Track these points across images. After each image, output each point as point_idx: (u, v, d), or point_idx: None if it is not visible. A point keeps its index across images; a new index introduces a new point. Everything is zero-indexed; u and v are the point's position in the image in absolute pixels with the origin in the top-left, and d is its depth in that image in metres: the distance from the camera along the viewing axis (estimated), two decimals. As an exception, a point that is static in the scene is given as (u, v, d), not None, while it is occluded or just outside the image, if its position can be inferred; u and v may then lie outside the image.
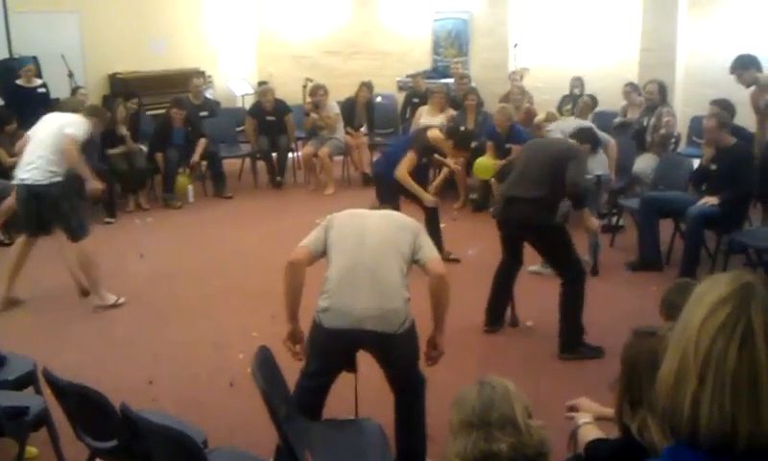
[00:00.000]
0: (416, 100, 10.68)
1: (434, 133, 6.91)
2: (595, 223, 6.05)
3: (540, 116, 8.19)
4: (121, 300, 6.18)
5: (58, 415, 3.53)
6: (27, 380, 4.08)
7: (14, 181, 6.07)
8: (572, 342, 5.18)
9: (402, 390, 3.69)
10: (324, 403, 3.69)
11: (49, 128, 6.09)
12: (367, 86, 10.71)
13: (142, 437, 2.88)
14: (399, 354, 3.58)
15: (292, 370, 3.72)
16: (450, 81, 10.97)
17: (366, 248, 3.55)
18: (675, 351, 1.42)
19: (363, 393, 3.92)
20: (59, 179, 5.93)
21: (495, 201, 6.80)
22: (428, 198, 6.89)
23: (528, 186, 5.22)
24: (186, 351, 5.34)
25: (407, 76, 11.70)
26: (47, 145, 5.95)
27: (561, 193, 5.26)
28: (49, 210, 5.99)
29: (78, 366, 4.69)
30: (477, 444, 2.13)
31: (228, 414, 4.43)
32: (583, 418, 2.68)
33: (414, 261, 3.62)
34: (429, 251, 3.66)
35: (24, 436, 3.51)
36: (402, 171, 6.72)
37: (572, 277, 5.20)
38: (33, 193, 5.90)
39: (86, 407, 3.16)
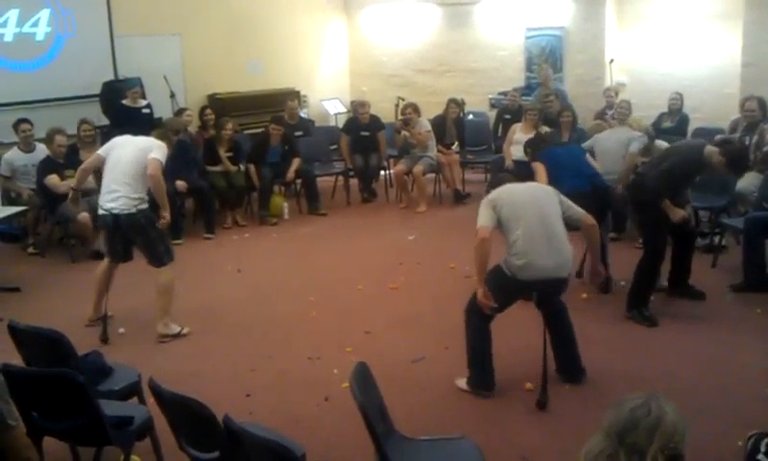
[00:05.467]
0: (508, 116, 10.61)
1: None
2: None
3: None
4: (185, 330, 5.99)
5: (161, 425, 3.61)
6: (132, 391, 4.23)
7: (100, 212, 5.90)
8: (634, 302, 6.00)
9: (554, 313, 4.88)
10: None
11: (128, 153, 5.87)
12: (456, 103, 10.66)
13: (244, 450, 2.92)
14: (563, 290, 4.85)
15: (388, 387, 3.73)
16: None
17: (539, 217, 4.65)
18: None
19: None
20: (145, 205, 5.85)
21: None
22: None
23: None
24: (282, 366, 5.41)
25: (499, 93, 11.63)
26: (129, 172, 5.78)
27: None
28: (137, 237, 5.90)
29: (177, 378, 4.76)
30: (602, 455, 2.09)
31: (323, 429, 4.45)
32: None
33: (566, 218, 4.75)
34: (577, 208, 4.85)
35: (129, 445, 3.62)
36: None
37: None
38: (120, 222, 5.79)
39: (190, 418, 3.21)
